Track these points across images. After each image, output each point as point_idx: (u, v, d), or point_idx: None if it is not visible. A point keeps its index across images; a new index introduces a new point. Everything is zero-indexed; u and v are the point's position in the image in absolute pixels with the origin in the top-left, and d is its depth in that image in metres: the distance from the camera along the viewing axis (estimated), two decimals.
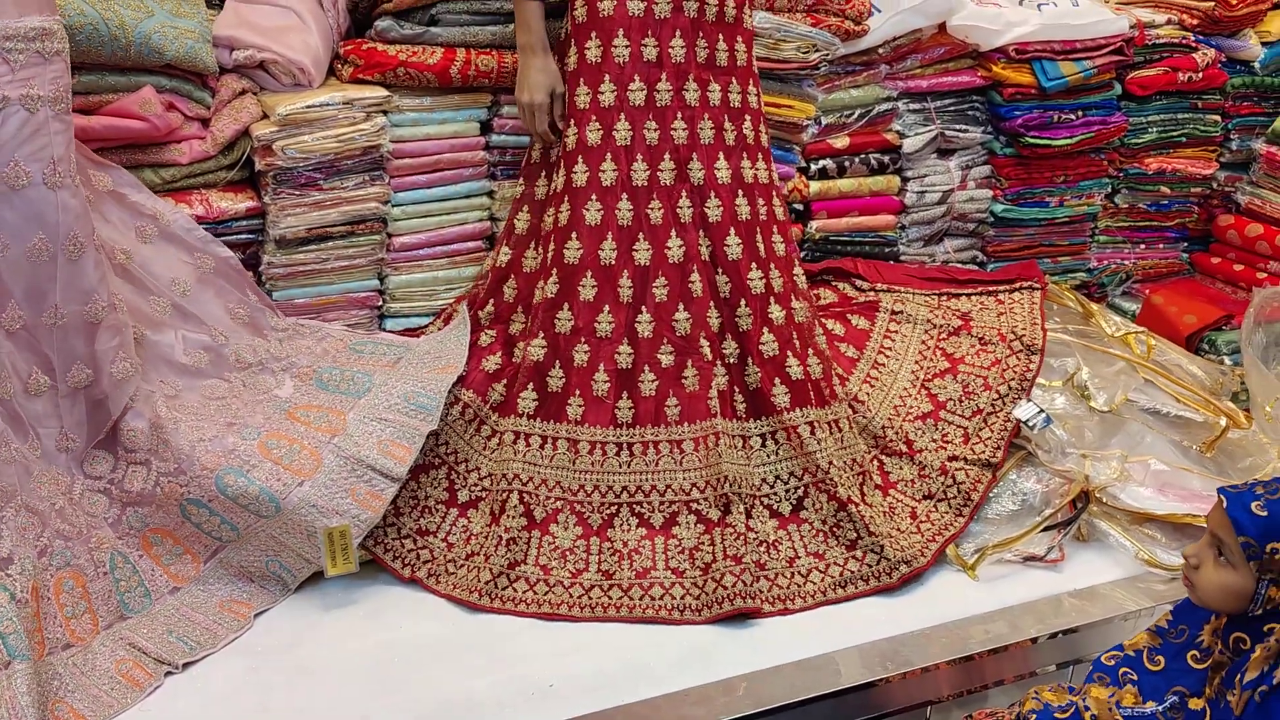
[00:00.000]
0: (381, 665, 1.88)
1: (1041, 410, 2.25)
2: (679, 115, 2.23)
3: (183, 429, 1.88)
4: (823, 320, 2.50)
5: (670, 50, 2.21)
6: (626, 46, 2.19)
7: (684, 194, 2.23)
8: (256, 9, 2.29)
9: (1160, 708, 1.59)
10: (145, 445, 1.88)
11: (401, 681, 1.85)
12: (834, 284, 2.71)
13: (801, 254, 2.79)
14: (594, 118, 2.21)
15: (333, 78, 2.38)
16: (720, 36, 2.26)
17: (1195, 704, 1.57)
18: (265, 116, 2.24)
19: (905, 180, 2.89)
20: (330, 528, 1.89)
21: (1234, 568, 1.53)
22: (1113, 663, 1.71)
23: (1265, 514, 1.49)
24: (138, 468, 1.89)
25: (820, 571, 2.08)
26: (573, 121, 2.22)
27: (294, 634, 1.93)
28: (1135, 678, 1.67)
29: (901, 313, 2.51)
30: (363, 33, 2.42)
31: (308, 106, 2.20)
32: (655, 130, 2.22)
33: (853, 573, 2.08)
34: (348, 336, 2.26)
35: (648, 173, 2.21)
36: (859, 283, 2.65)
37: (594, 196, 2.20)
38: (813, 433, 2.20)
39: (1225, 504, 1.52)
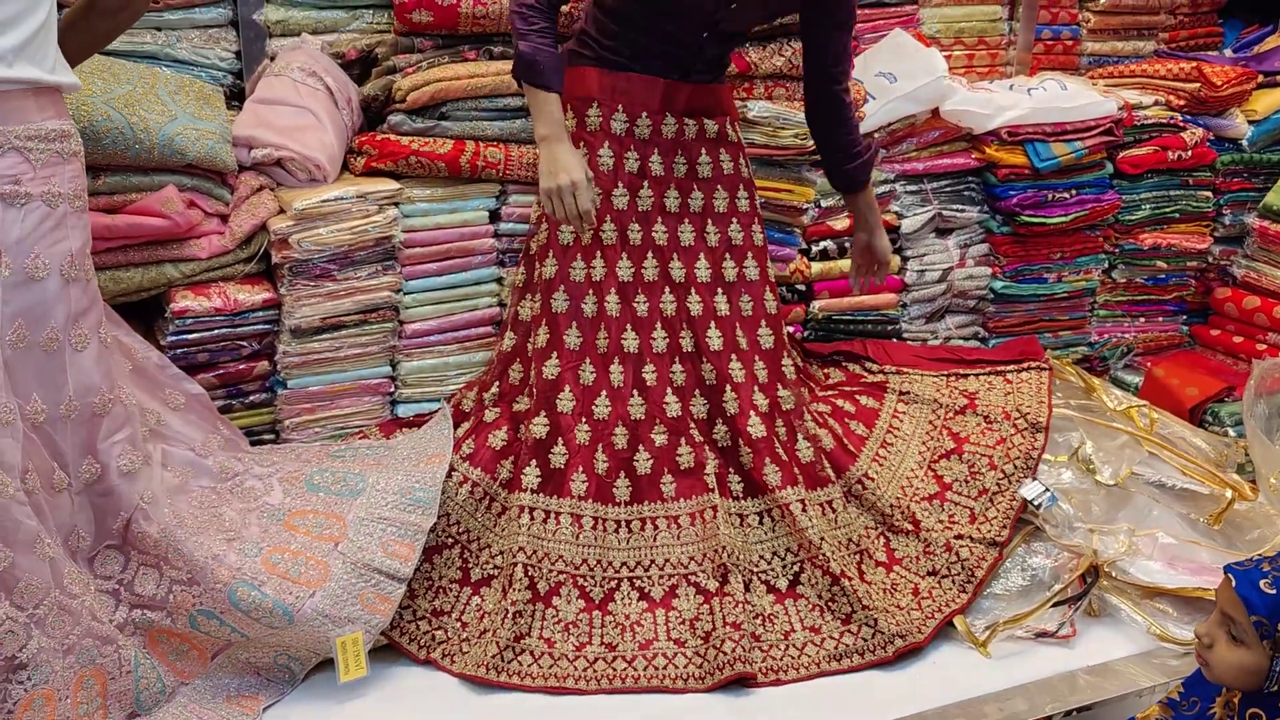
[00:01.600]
0: None
1: (1047, 489, 2.27)
2: (659, 220, 2.38)
3: (191, 543, 1.88)
4: (833, 399, 2.54)
5: (650, 165, 2.37)
6: (611, 157, 2.34)
7: (667, 290, 2.35)
8: (274, 109, 2.38)
9: None
10: (155, 551, 1.87)
11: None
12: (844, 365, 2.75)
13: (806, 334, 2.85)
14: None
15: (346, 172, 2.46)
16: (702, 150, 2.41)
17: None
18: (282, 211, 2.32)
19: (905, 259, 2.95)
20: (343, 637, 1.90)
21: (1247, 646, 1.54)
22: None
23: (1274, 591, 1.50)
24: (149, 570, 1.88)
25: (815, 645, 2.10)
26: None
27: None
28: None
29: (909, 394, 2.55)
30: (374, 128, 2.51)
31: (323, 201, 2.28)
32: (639, 231, 2.36)
33: (847, 646, 2.09)
34: (325, 447, 2.29)
35: (632, 270, 2.35)
36: (868, 364, 2.69)
37: (590, 291, 2.31)
38: (804, 510, 2.24)
39: (1234, 583, 1.53)
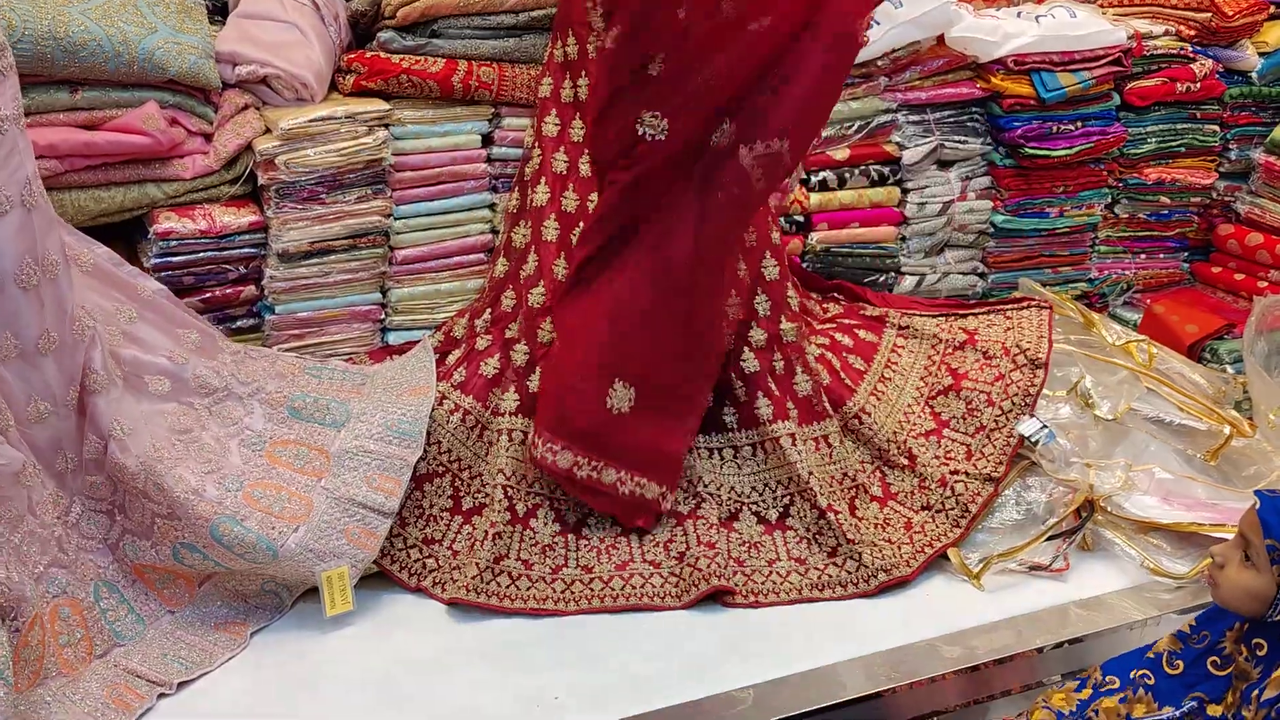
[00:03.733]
0: (387, 680, 1.87)
1: (1045, 425, 2.25)
2: None
3: (170, 476, 1.82)
4: (832, 333, 2.50)
5: None
6: None
7: None
8: (259, 24, 2.30)
9: (1177, 713, 1.59)
10: (133, 483, 1.83)
11: (407, 696, 1.84)
12: (842, 300, 2.71)
13: (804, 266, 2.80)
14: (586, 150, 2.30)
15: (334, 92, 2.39)
16: None
17: (1214, 710, 1.57)
18: (267, 131, 2.25)
19: (905, 192, 2.89)
20: (328, 572, 1.88)
21: (1258, 570, 1.53)
22: (1129, 664, 1.70)
23: None
24: (134, 498, 1.85)
25: (799, 574, 2.11)
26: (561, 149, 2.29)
27: (294, 650, 1.91)
28: (1151, 681, 1.67)
29: (908, 328, 2.52)
30: (364, 46, 2.43)
31: (310, 120, 2.21)
32: None
33: (830, 577, 2.10)
34: (299, 360, 2.23)
35: None
36: (865, 306, 2.65)
37: (581, 224, 2.25)
38: (794, 444, 2.23)
39: (1259, 506, 1.53)
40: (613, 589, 2.06)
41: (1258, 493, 1.55)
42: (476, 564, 2.04)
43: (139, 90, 2.17)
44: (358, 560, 1.95)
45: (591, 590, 2.06)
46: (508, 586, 2.05)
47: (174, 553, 1.84)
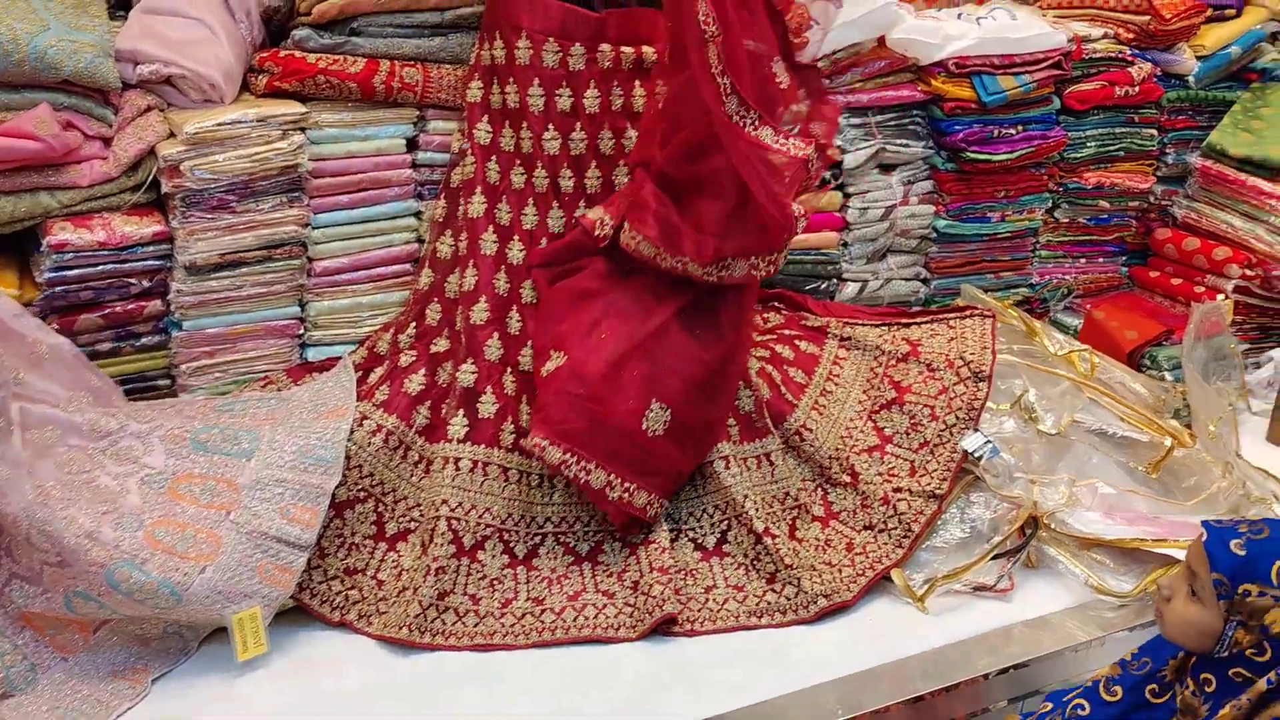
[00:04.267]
0: None
1: (988, 440, 2.21)
2: (594, 164, 2.22)
3: (59, 520, 1.68)
4: (772, 344, 2.43)
5: (584, 100, 2.20)
6: (542, 95, 2.20)
7: None
8: (163, 20, 2.15)
9: None
10: (15, 531, 1.69)
11: None
12: (783, 310, 2.64)
13: None
14: (518, 161, 2.21)
15: (246, 93, 2.24)
16: (637, 82, 2.23)
17: None
18: (172, 135, 2.10)
19: (847, 196, 2.83)
20: (239, 614, 1.75)
21: (1204, 604, 1.49)
22: (1066, 694, 1.67)
23: (1243, 553, 1.45)
24: (21, 545, 1.70)
25: (736, 601, 2.05)
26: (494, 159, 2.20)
27: (202, 696, 1.79)
28: (1086, 710, 1.63)
29: (850, 339, 2.46)
30: (278, 44, 2.28)
31: (218, 124, 2.07)
32: (571, 178, 2.22)
33: (769, 604, 2.04)
34: (212, 400, 2.11)
35: (564, 219, 2.22)
36: (807, 315, 2.58)
37: (516, 237, 2.16)
38: (728, 467, 2.16)
39: (1205, 537, 1.49)
40: (564, 621, 1.98)
41: (1205, 524, 1.51)
42: (419, 602, 1.94)
43: (30, 92, 2.02)
44: (271, 599, 1.83)
45: (543, 623, 1.98)
46: (454, 624, 1.96)
47: (66, 601, 1.70)
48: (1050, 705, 1.67)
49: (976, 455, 2.22)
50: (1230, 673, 1.45)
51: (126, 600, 1.69)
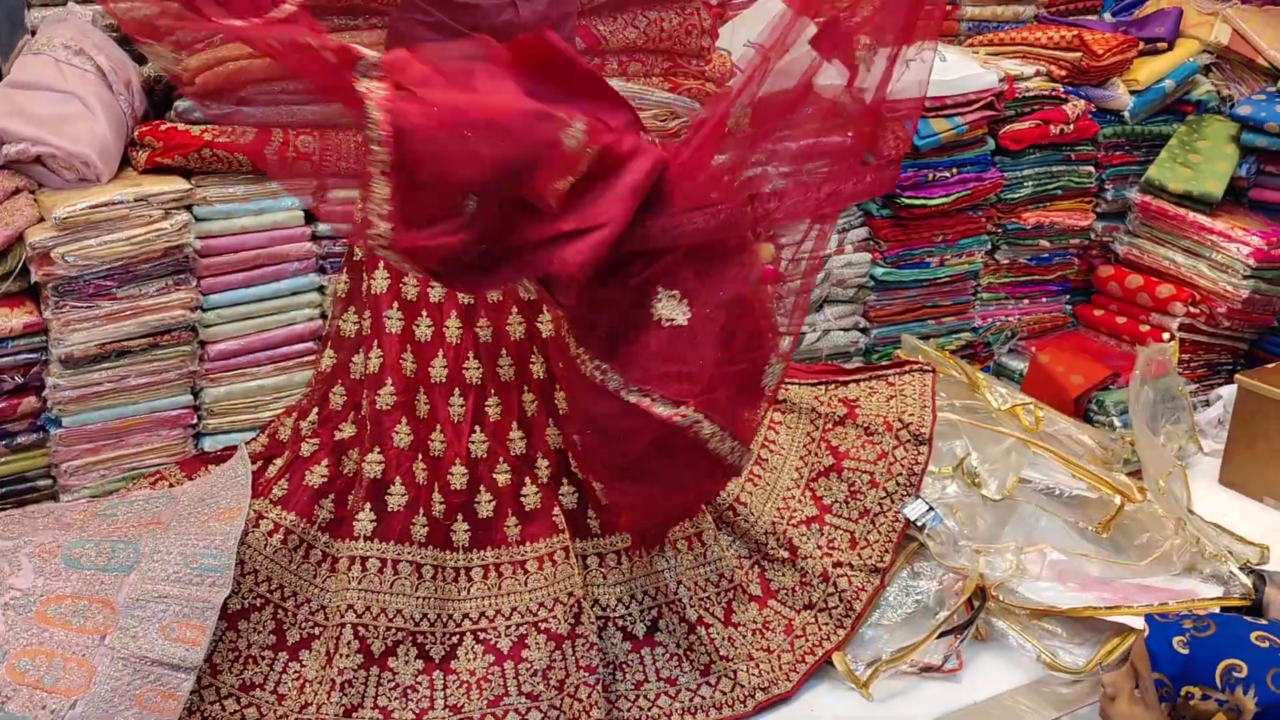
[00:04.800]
0: None
1: (931, 508, 2.10)
2: None
3: None
4: None
5: None
6: None
7: (514, 310, 2.04)
8: (32, 95, 2.00)
9: None
10: None
11: None
12: None
13: None
14: None
15: (128, 168, 2.10)
16: None
17: None
18: (43, 219, 1.95)
19: (780, 247, 2.72)
20: None
21: (1147, 706, 1.39)
22: None
23: (1185, 651, 1.35)
24: None
25: (669, 697, 1.91)
26: None
27: None
28: None
29: (785, 402, 2.34)
30: (162, 116, 2.14)
31: (91, 207, 1.92)
32: None
33: (704, 699, 1.91)
34: (95, 503, 1.96)
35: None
36: None
37: (424, 312, 2.03)
38: (661, 551, 2.02)
39: (1147, 634, 1.39)
40: None
41: (1148, 619, 1.41)
42: None
43: None
44: None
45: None
46: None
47: None
48: None
49: (919, 524, 2.11)
50: None
51: None
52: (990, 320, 3.09)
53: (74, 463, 2.03)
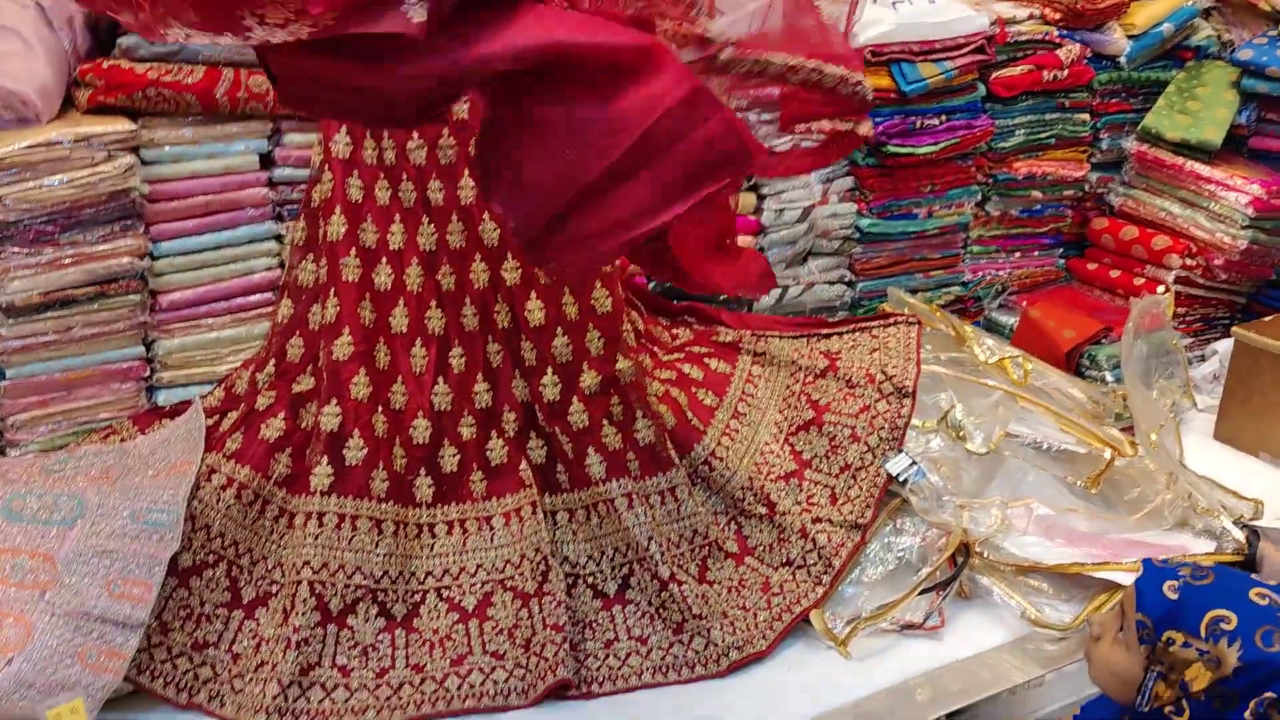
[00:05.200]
0: None
1: (914, 462, 2.02)
2: (465, 174, 1.97)
3: None
4: (679, 364, 2.22)
5: (453, 109, 1.92)
6: None
7: (478, 257, 1.97)
8: None
9: None
10: None
11: None
12: (693, 323, 2.43)
13: (652, 284, 2.52)
14: (381, 175, 1.96)
15: (72, 109, 2.00)
16: None
17: None
18: None
19: (761, 198, 2.64)
20: (56, 709, 1.52)
21: (1127, 648, 1.32)
22: None
23: (1175, 597, 1.27)
24: None
25: (640, 655, 1.85)
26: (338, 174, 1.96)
27: None
28: None
29: (764, 354, 2.26)
30: (106, 53, 2.04)
31: (29, 147, 1.84)
32: (441, 190, 1.97)
33: (676, 658, 1.85)
34: (42, 459, 1.88)
35: (436, 236, 1.98)
36: (719, 330, 2.37)
37: (384, 259, 1.96)
38: (630, 506, 1.95)
39: (1140, 574, 1.33)
40: (448, 690, 1.79)
41: (1145, 561, 1.34)
42: (279, 680, 1.73)
43: None
44: (96, 689, 1.59)
45: (423, 694, 1.78)
46: (320, 701, 1.75)
47: None
48: None
49: (901, 479, 2.04)
50: None
51: None
52: (980, 274, 3.00)
53: (20, 416, 1.95)
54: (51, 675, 1.56)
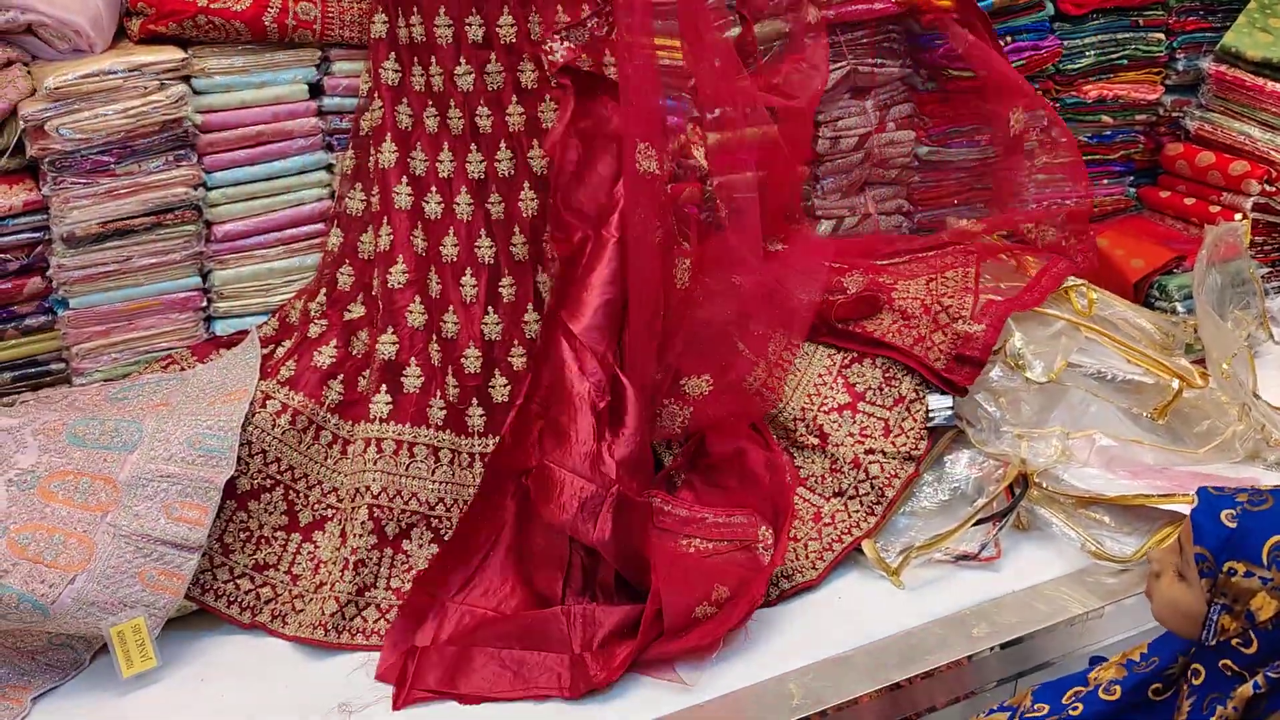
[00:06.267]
0: None
1: (950, 408, 1.98)
2: (515, 99, 1.97)
3: None
4: None
5: (498, 30, 1.94)
6: (450, 25, 1.94)
7: (527, 185, 1.97)
8: None
9: None
10: None
11: None
12: None
13: (702, 215, 2.47)
14: (430, 102, 1.98)
15: (125, 39, 2.01)
16: (559, 7, 1.95)
17: None
18: (36, 91, 1.87)
19: (816, 125, 2.56)
20: (118, 626, 1.57)
21: (1189, 583, 1.28)
22: (1064, 690, 1.46)
23: (1233, 525, 1.23)
24: None
25: None
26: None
27: (87, 718, 1.61)
28: (1078, 711, 1.42)
29: None
30: None
31: (82, 76, 1.84)
32: (488, 116, 1.97)
33: None
34: (107, 388, 1.90)
35: (484, 163, 1.98)
36: None
37: (434, 188, 1.96)
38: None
39: (1195, 505, 1.28)
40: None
41: (1200, 490, 1.29)
42: (336, 599, 1.77)
43: None
44: (158, 608, 1.64)
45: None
46: (375, 621, 1.79)
47: None
48: (1045, 707, 1.46)
49: (931, 415, 2.00)
50: (1219, 665, 1.24)
51: None
52: (1046, 204, 2.90)
53: (84, 345, 1.99)
54: (114, 593, 1.61)
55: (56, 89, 1.83)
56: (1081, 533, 1.92)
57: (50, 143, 1.85)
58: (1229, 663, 1.22)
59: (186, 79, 1.96)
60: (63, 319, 1.97)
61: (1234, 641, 1.21)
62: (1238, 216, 2.73)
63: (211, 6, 1.94)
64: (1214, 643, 1.24)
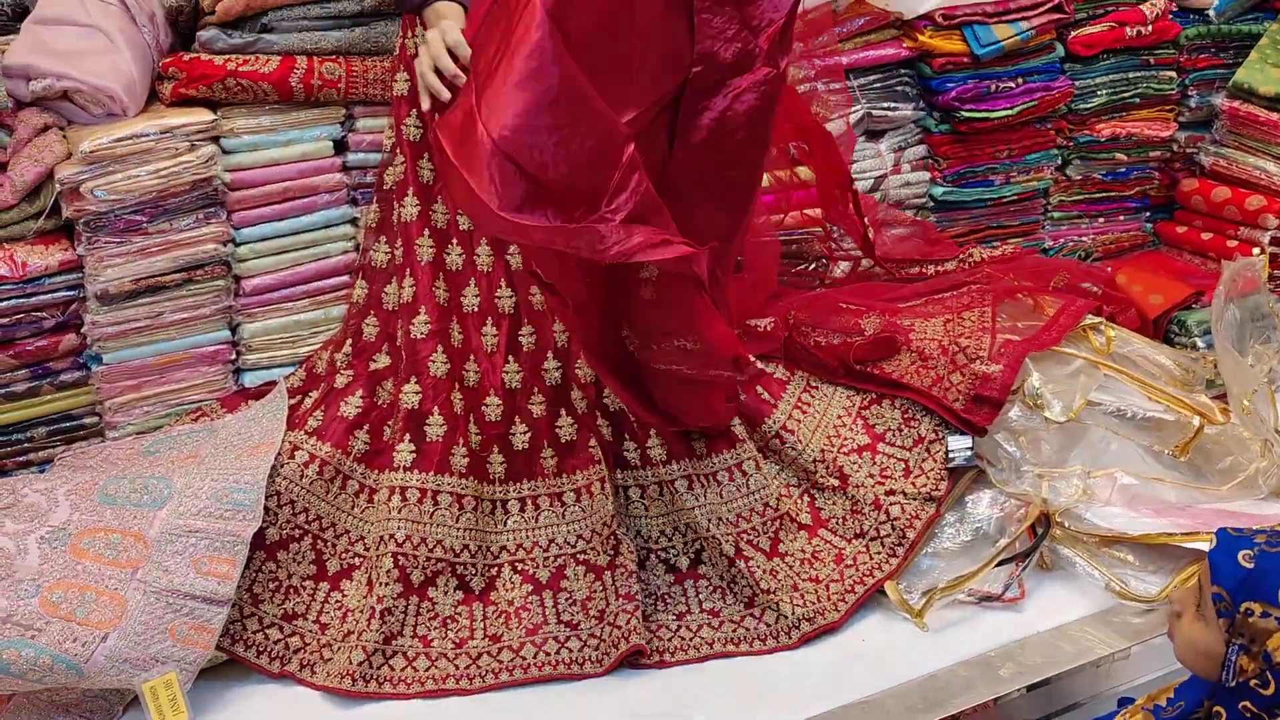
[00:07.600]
0: None
1: (970, 448, 1.98)
2: None
3: None
4: None
5: None
6: None
7: None
8: (55, 30, 1.98)
9: None
10: None
11: None
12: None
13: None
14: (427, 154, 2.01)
15: (156, 103, 2.08)
16: None
17: None
18: (72, 155, 1.94)
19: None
20: (151, 682, 1.59)
21: (1207, 623, 1.28)
22: None
23: (1250, 566, 1.23)
24: None
25: (712, 628, 1.86)
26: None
27: None
28: None
29: None
30: (187, 47, 2.11)
31: (116, 140, 1.90)
32: None
33: (748, 630, 1.85)
34: (139, 441, 1.95)
35: None
36: None
37: (454, 240, 2.00)
38: (690, 488, 1.96)
39: (1213, 545, 1.29)
40: (524, 658, 1.82)
41: (1219, 531, 1.29)
42: (363, 648, 1.79)
43: None
44: (189, 662, 1.67)
45: (500, 662, 1.82)
46: (403, 669, 1.80)
47: None
48: None
49: (950, 456, 2.00)
50: (1240, 706, 1.24)
51: (20, 681, 1.54)
52: (1062, 241, 2.92)
53: (117, 399, 2.04)
54: (145, 649, 1.63)
55: (91, 153, 1.89)
56: (1106, 572, 1.92)
57: (85, 204, 1.91)
58: (1249, 704, 1.22)
59: (216, 139, 2.02)
60: (96, 374, 2.03)
61: (1252, 683, 1.21)
62: (1255, 251, 2.73)
63: (240, 70, 2.01)
64: (1233, 684, 1.24)
